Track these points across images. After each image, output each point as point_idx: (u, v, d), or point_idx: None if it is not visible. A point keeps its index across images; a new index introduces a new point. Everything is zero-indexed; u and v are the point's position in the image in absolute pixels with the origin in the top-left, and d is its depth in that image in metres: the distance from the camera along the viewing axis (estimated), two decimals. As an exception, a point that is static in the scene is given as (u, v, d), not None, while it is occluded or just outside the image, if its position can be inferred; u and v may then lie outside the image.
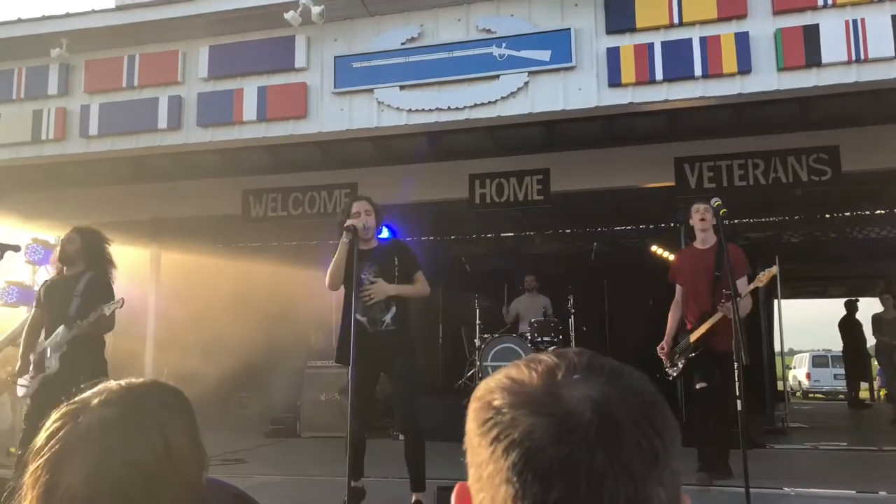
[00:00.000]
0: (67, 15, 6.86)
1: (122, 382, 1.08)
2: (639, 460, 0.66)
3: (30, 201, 9.16)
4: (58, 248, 5.32)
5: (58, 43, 6.66)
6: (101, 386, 1.07)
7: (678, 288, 5.77)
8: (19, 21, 6.99)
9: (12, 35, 6.92)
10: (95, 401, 1.03)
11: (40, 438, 1.01)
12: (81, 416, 1.01)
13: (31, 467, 0.99)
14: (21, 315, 8.02)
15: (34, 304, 5.42)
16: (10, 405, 8.75)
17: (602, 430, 0.66)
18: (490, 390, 0.74)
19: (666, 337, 5.69)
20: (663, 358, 5.64)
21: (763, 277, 5.16)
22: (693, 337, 5.38)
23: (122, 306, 5.21)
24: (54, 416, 1.03)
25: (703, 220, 5.52)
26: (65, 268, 5.22)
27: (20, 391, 5.16)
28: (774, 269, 5.22)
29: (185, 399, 1.12)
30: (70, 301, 5.06)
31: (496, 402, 0.72)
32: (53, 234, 9.60)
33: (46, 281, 5.58)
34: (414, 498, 4.48)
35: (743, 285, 5.20)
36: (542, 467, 0.65)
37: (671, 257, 6.02)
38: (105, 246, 5.29)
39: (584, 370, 0.72)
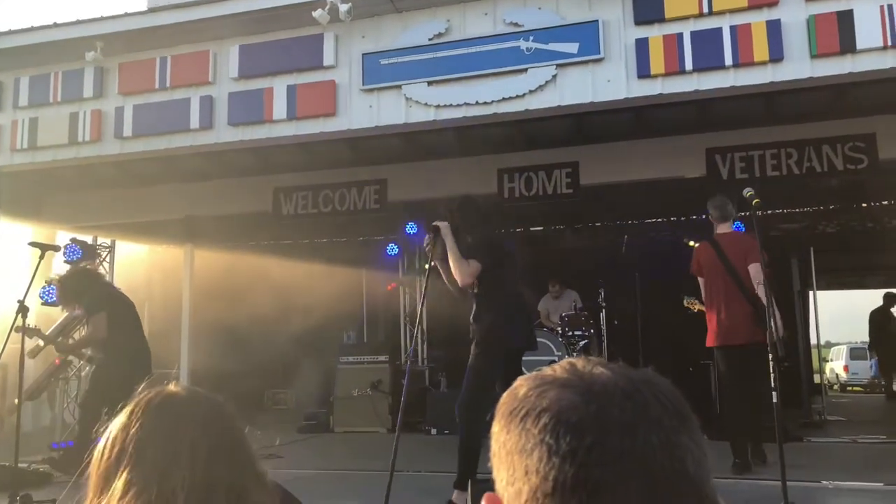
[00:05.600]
0: (101, 18, 6.98)
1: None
2: (666, 415, 0.69)
3: (67, 202, 9.37)
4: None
5: (92, 46, 6.79)
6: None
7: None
8: (55, 26, 7.12)
9: (49, 39, 7.06)
10: (160, 389, 1.15)
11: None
12: (153, 392, 1.13)
13: (111, 435, 1.06)
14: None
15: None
16: (48, 403, 8.98)
17: (627, 393, 0.70)
18: (514, 387, 0.76)
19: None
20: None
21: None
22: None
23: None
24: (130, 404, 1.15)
25: None
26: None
27: None
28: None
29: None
30: None
31: (521, 391, 0.74)
32: (91, 234, 9.83)
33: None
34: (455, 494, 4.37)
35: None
36: (573, 421, 0.67)
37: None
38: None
39: (602, 363, 0.75)
